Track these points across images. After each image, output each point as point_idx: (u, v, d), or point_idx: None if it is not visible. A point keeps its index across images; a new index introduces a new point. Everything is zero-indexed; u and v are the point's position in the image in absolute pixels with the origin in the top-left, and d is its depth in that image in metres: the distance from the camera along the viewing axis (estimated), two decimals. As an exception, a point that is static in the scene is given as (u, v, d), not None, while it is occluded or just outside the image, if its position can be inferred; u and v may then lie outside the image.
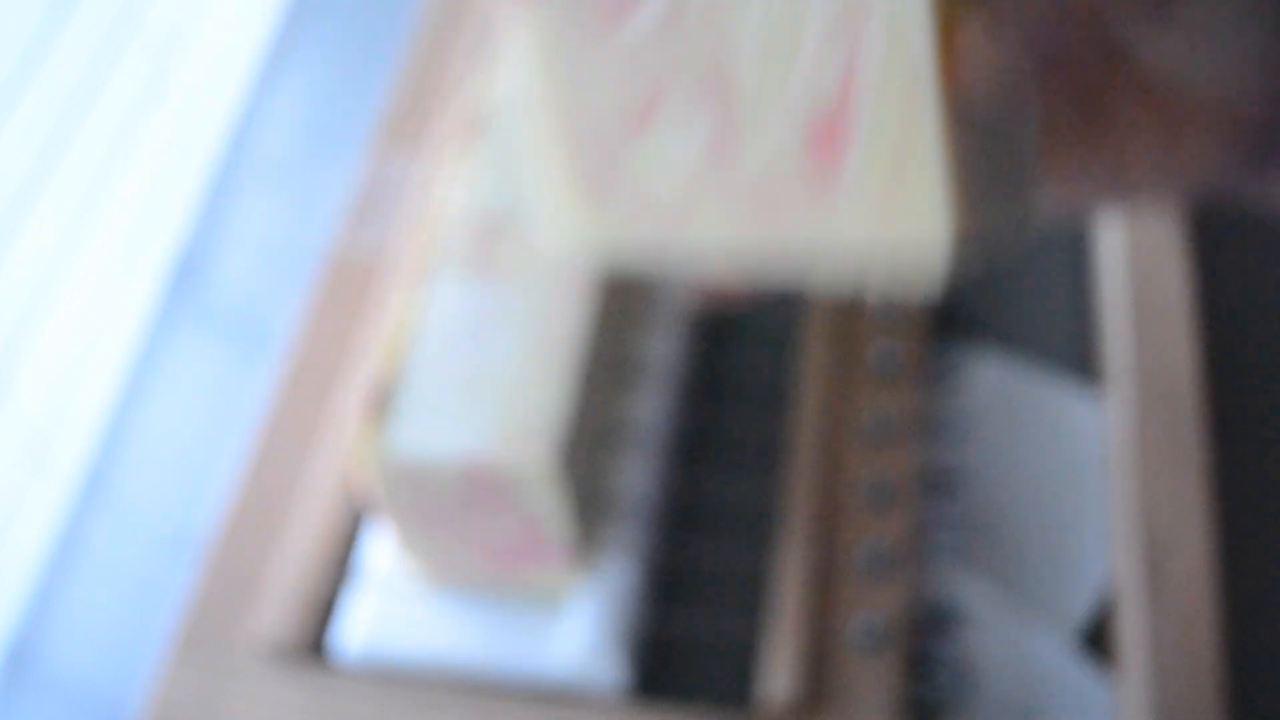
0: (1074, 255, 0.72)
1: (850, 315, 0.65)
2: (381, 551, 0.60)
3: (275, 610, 0.60)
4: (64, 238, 0.79)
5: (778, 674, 0.55)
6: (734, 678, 0.58)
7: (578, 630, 0.57)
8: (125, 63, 0.85)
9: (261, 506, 0.63)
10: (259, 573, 0.62)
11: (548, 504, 0.53)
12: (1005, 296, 0.71)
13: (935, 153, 0.32)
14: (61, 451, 0.76)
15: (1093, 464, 0.64)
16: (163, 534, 0.74)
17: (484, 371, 0.54)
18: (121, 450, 0.78)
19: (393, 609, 0.59)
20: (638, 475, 0.60)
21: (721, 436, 0.67)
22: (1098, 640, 0.60)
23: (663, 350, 0.64)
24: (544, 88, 0.35)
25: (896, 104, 0.32)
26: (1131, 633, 0.56)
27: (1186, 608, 0.56)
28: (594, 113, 0.35)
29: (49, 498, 0.75)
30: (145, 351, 0.81)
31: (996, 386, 0.67)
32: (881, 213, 0.34)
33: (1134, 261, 0.66)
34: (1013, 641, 0.60)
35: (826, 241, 0.35)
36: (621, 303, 0.62)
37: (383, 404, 0.53)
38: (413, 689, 0.57)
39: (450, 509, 0.54)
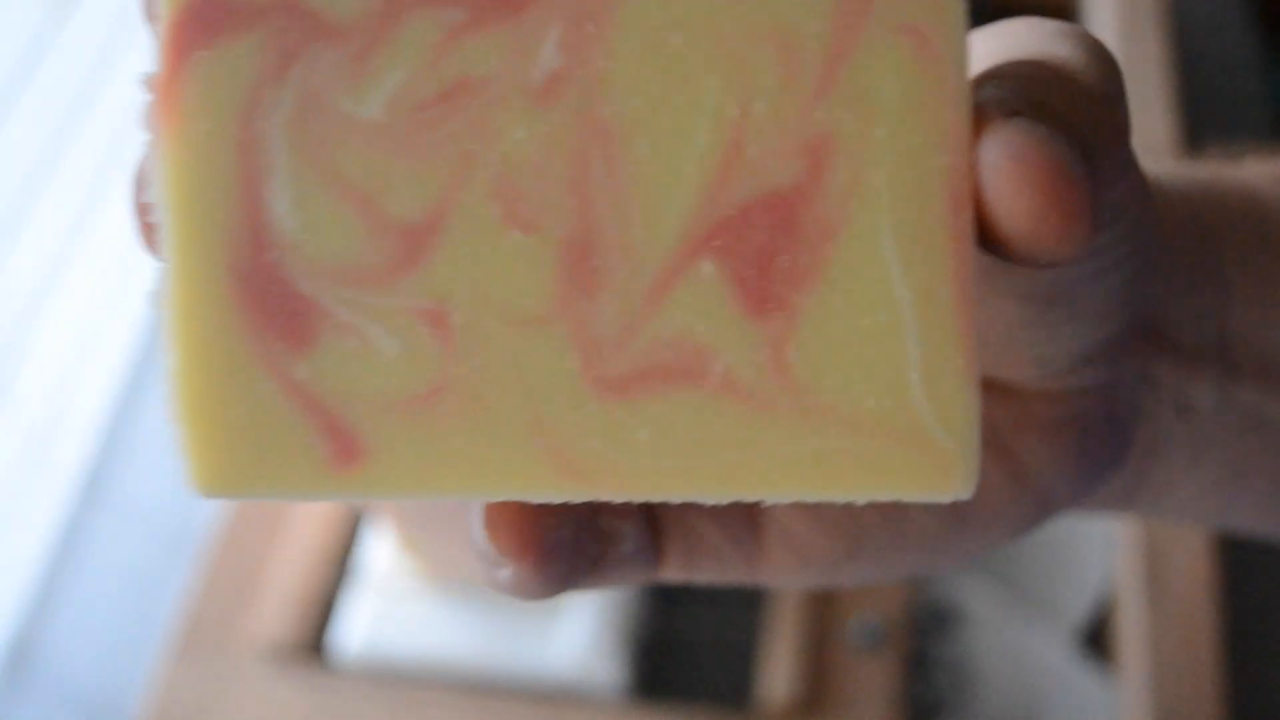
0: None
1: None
2: (381, 552, 0.60)
3: (275, 610, 0.60)
4: (64, 238, 0.79)
5: (778, 674, 0.55)
6: (734, 678, 0.58)
7: (577, 630, 0.57)
8: (125, 63, 0.85)
9: (261, 506, 0.63)
10: (259, 573, 0.62)
11: (547, 504, 0.53)
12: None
13: (963, 325, 0.19)
14: (61, 451, 0.76)
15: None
16: (163, 534, 0.74)
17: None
18: (121, 450, 0.78)
19: (392, 609, 0.59)
20: (637, 475, 0.60)
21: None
22: (1098, 640, 0.60)
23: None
24: (202, 196, 0.19)
25: (900, 227, 0.19)
26: (1131, 633, 0.56)
27: (1186, 608, 0.56)
28: (311, 244, 0.19)
29: (49, 497, 0.75)
30: (145, 351, 0.81)
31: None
32: (863, 423, 0.19)
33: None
34: (1013, 641, 0.60)
35: (757, 467, 0.19)
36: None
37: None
38: (413, 689, 0.57)
39: (450, 509, 0.54)
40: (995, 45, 0.22)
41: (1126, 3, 0.80)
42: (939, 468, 0.19)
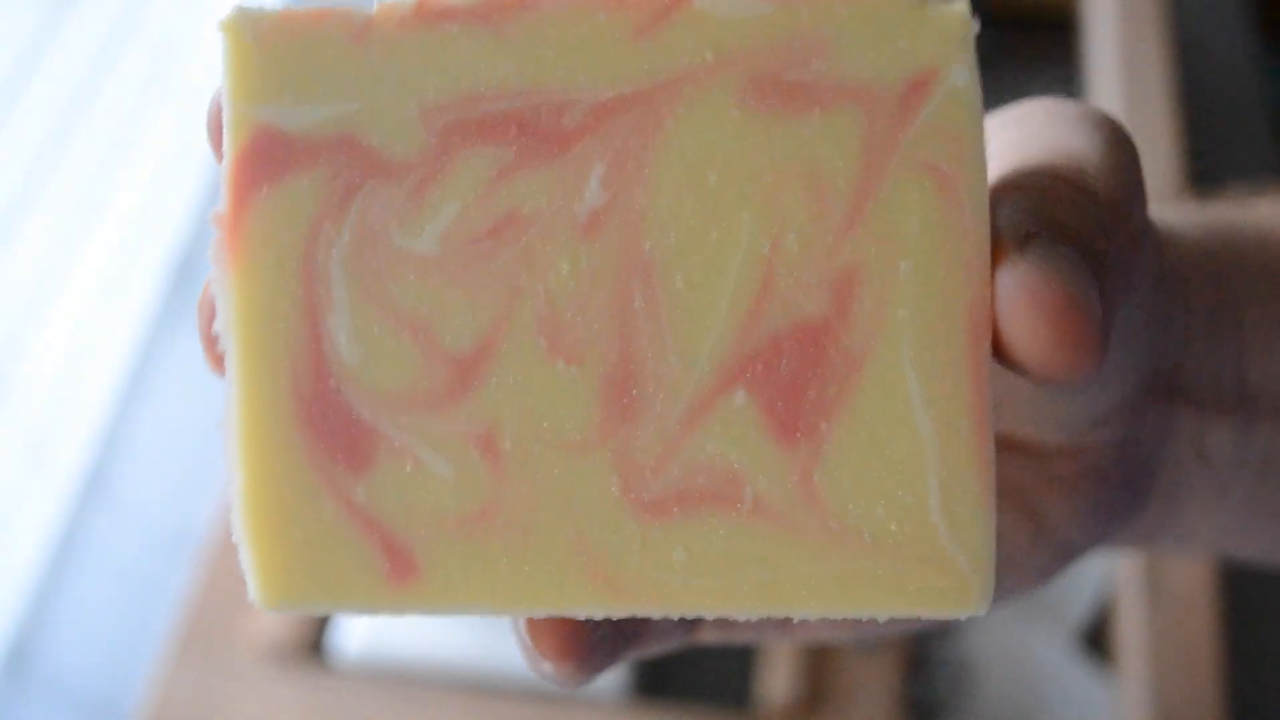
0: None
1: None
2: (381, 551, 0.60)
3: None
4: (64, 238, 0.79)
5: (777, 674, 0.55)
6: (734, 678, 0.58)
7: (577, 630, 0.57)
8: (125, 63, 0.85)
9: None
10: (259, 573, 0.62)
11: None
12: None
13: (981, 453, 0.20)
14: (61, 451, 0.76)
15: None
16: (163, 534, 0.74)
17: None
18: (121, 450, 0.78)
19: (392, 609, 0.59)
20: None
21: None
22: (1098, 640, 0.60)
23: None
24: (266, 327, 0.20)
25: (922, 360, 0.20)
26: (1131, 633, 0.56)
27: (1186, 608, 0.56)
28: (369, 372, 0.20)
29: (49, 498, 0.75)
30: (145, 351, 0.81)
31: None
32: (885, 546, 0.20)
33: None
34: (1013, 641, 0.60)
35: (786, 587, 0.20)
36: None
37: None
38: (412, 689, 0.57)
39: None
40: (1014, 136, 0.23)
41: (1126, 3, 0.80)
42: (957, 588, 0.20)
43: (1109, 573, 0.61)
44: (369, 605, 0.21)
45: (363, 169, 0.20)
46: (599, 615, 0.21)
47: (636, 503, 0.20)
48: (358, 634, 0.59)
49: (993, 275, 0.20)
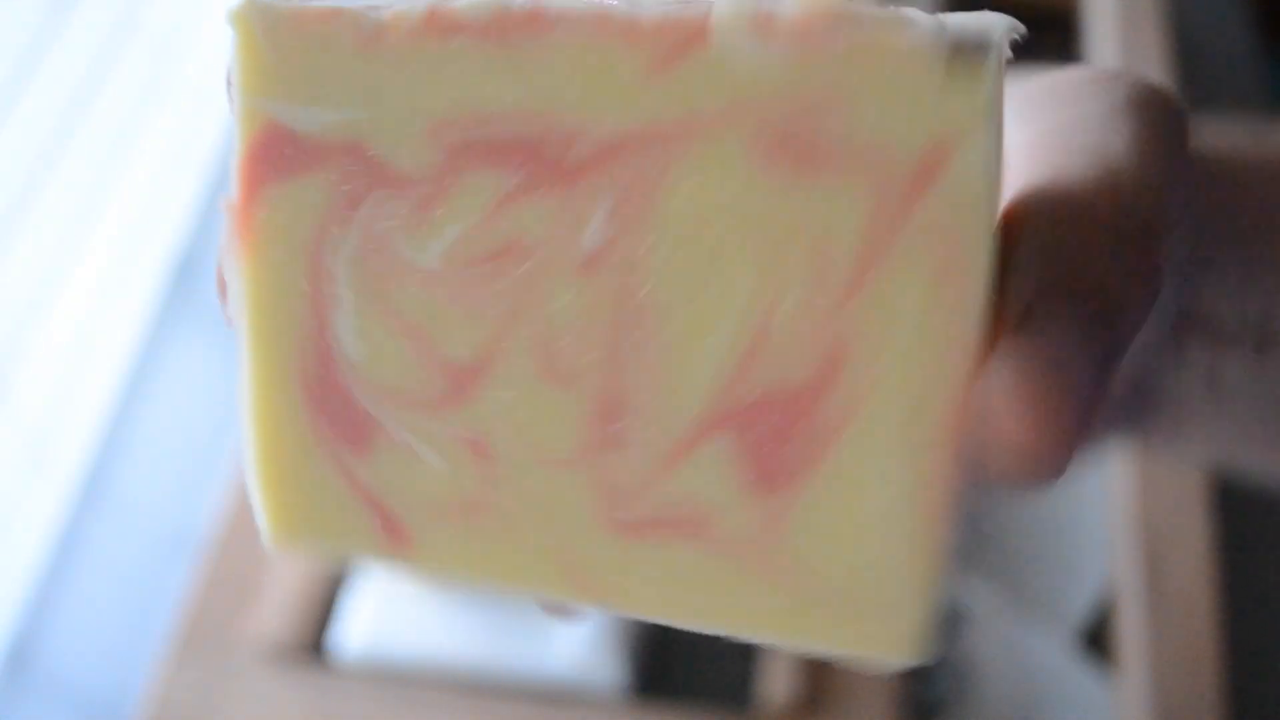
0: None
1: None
2: (381, 551, 0.60)
3: (275, 610, 0.60)
4: (64, 238, 0.79)
5: (777, 674, 0.55)
6: (734, 678, 0.58)
7: (577, 630, 0.57)
8: (125, 63, 0.85)
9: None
10: (259, 573, 0.62)
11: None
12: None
13: (939, 529, 0.20)
14: (61, 451, 0.76)
15: (1092, 464, 0.64)
16: (163, 534, 0.74)
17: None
18: (121, 450, 0.78)
19: (392, 609, 0.59)
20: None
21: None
22: (1098, 640, 0.60)
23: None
24: (276, 314, 0.22)
25: (900, 435, 0.20)
26: (1131, 633, 0.56)
27: (1186, 608, 0.56)
28: (371, 368, 0.21)
29: (49, 498, 0.75)
30: (145, 351, 0.81)
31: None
32: (835, 591, 0.21)
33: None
34: (1013, 641, 0.60)
35: (740, 613, 0.21)
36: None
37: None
38: (412, 689, 0.57)
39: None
40: (1042, 130, 0.22)
41: (1126, 3, 0.80)
42: (896, 639, 0.21)
43: (1109, 573, 0.61)
44: (365, 555, 0.22)
45: (370, 178, 0.21)
46: (570, 604, 0.22)
47: (612, 520, 0.21)
48: (358, 634, 0.59)
49: (987, 358, 0.19)
